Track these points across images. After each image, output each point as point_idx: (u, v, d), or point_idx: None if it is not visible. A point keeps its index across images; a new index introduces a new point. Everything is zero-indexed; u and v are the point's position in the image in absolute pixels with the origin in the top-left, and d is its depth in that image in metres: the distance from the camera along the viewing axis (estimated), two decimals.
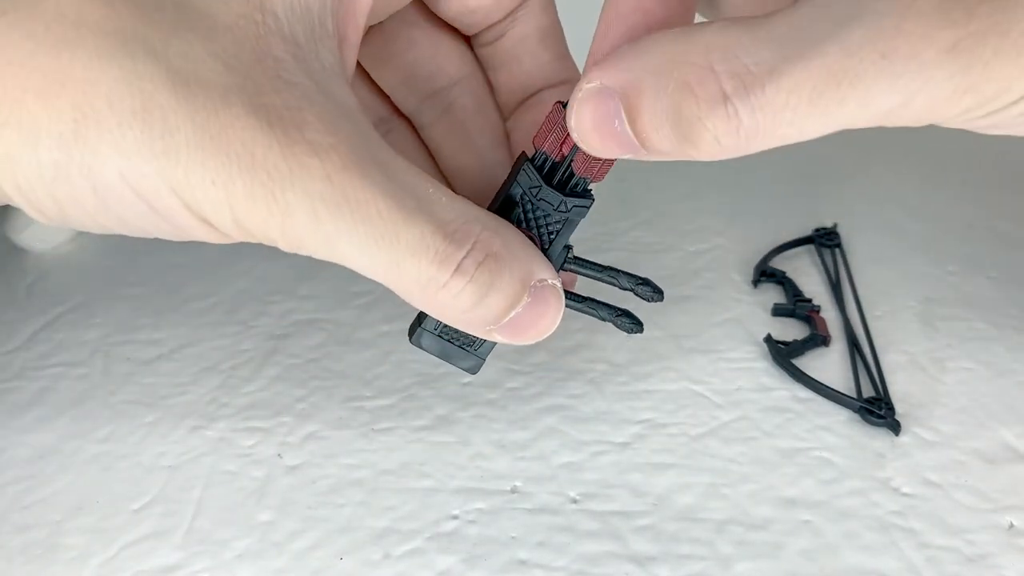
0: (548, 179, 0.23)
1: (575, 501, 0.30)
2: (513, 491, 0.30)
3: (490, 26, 0.26)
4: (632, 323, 0.26)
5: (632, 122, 0.20)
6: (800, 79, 0.18)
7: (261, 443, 0.32)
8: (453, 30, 0.27)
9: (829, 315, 0.37)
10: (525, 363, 0.35)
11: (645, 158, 0.21)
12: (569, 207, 0.24)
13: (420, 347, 0.26)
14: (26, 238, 0.42)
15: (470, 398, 0.34)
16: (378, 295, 0.39)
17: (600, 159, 0.23)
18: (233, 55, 0.20)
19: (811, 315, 0.37)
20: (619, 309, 0.26)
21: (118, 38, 0.19)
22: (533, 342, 0.23)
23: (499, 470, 0.31)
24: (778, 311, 0.37)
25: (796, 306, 0.37)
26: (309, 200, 0.19)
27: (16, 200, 0.20)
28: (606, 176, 0.24)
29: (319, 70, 0.21)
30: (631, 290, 0.25)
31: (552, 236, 0.24)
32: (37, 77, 0.19)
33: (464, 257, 0.21)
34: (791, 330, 0.37)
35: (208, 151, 0.19)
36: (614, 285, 0.25)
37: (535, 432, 0.32)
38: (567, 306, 0.25)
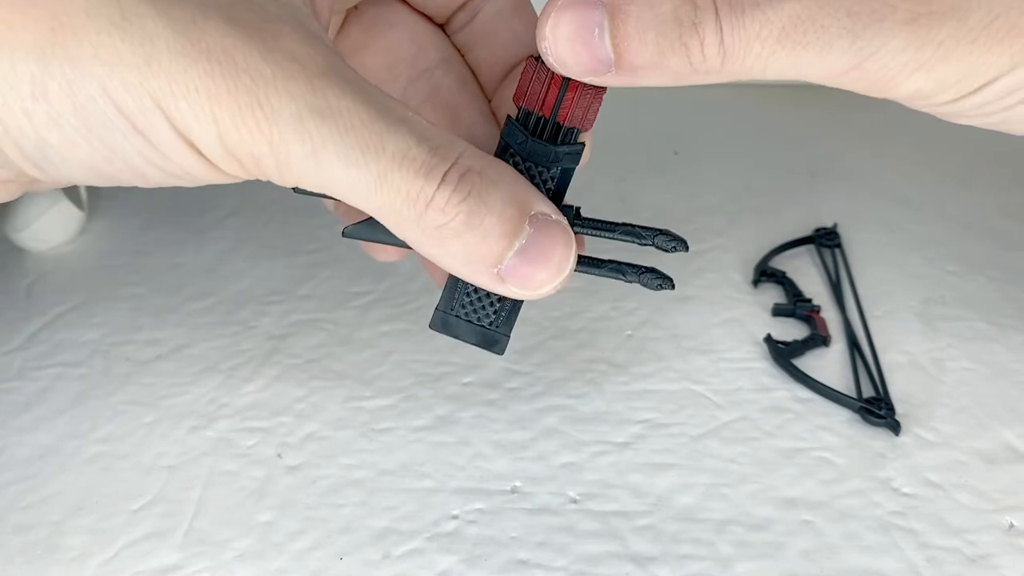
0: (534, 133, 0.23)
1: (575, 501, 0.30)
2: (513, 491, 0.30)
3: (461, 7, 0.27)
4: (659, 279, 0.24)
5: (614, 32, 0.20)
6: (774, 16, 0.20)
7: (261, 443, 0.32)
8: (427, 17, 0.27)
9: (829, 315, 0.37)
10: (525, 363, 0.35)
11: (605, 82, 0.22)
12: (560, 156, 0.23)
13: (439, 331, 0.25)
14: (26, 238, 0.42)
15: (470, 398, 0.34)
16: (378, 295, 0.39)
17: (584, 102, 0.23)
18: None
19: (811, 315, 0.37)
20: (643, 267, 0.24)
21: None
22: (549, 290, 0.22)
23: (499, 470, 0.31)
24: (778, 311, 0.37)
25: (796, 306, 0.37)
26: (294, 103, 0.19)
27: None
28: (594, 124, 0.23)
29: (287, 5, 0.21)
30: (651, 244, 0.24)
31: (549, 190, 0.24)
32: None
33: (449, 168, 0.20)
34: (791, 330, 0.37)
35: (190, 58, 0.18)
36: (632, 241, 0.24)
37: (535, 432, 0.32)
38: (586, 272, 0.24)
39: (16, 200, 0.39)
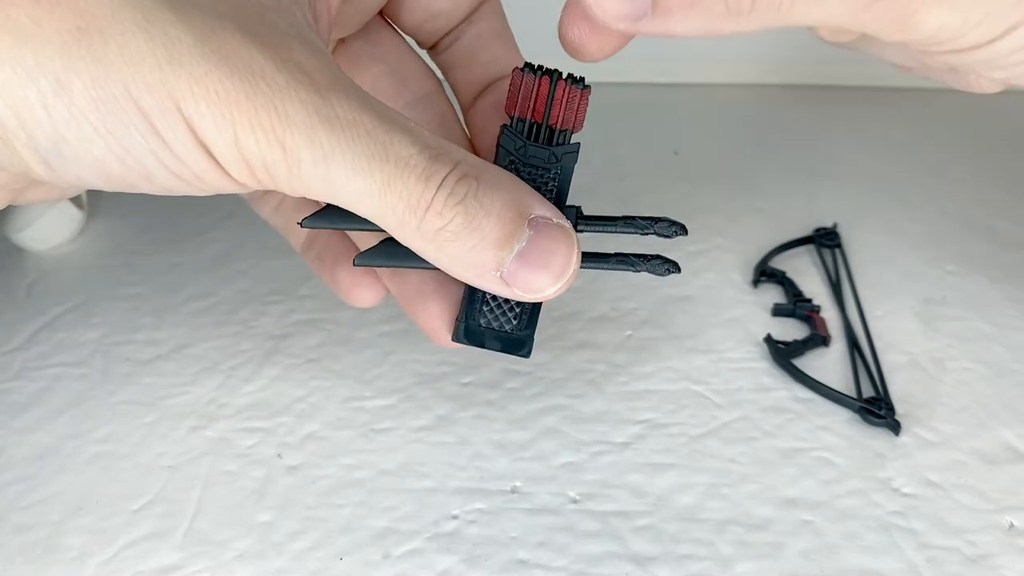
0: (530, 138, 0.24)
1: (575, 501, 0.30)
2: (513, 491, 0.30)
3: (448, 32, 0.28)
4: (666, 264, 0.25)
5: None
6: None
7: (261, 443, 0.32)
8: (412, 50, 0.28)
9: (829, 315, 0.37)
10: (525, 363, 0.35)
11: (639, 28, 0.22)
12: (559, 155, 0.24)
13: (462, 342, 0.26)
14: (26, 238, 0.42)
15: (470, 398, 0.34)
16: None
17: (572, 104, 0.23)
18: None
19: (811, 315, 0.37)
20: (648, 255, 0.25)
21: None
22: (553, 293, 0.23)
23: (499, 470, 0.31)
24: (778, 311, 0.37)
25: (796, 306, 0.37)
26: (305, 111, 0.19)
27: (9, 126, 0.19)
28: (584, 124, 0.24)
29: (294, 23, 0.21)
30: (652, 232, 0.25)
31: (551, 193, 0.24)
32: None
33: (448, 173, 0.21)
34: (791, 330, 0.37)
35: (211, 62, 0.19)
36: (633, 232, 0.25)
37: (535, 432, 0.32)
38: (593, 267, 0.25)
39: None
